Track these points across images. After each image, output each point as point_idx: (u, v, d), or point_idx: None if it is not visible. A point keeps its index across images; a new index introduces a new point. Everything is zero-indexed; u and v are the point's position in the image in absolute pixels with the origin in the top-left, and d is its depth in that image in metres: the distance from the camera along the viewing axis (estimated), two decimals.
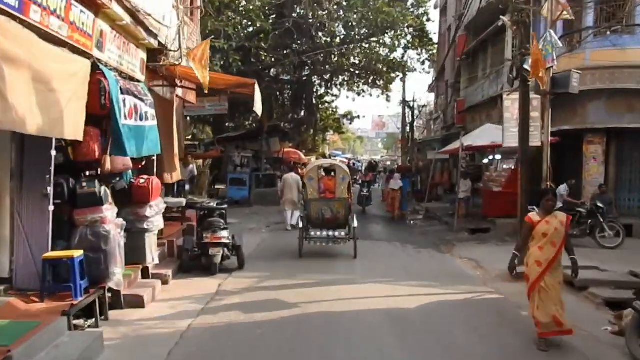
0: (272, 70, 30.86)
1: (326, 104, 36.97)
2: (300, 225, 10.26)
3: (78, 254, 6.05)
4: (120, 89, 6.79)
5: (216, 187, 20.67)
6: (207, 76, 8.29)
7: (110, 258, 6.44)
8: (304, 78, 30.89)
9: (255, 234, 13.49)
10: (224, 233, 8.77)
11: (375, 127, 69.11)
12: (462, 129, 21.34)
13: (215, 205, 9.61)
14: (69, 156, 6.50)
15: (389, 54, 28.00)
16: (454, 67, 24.46)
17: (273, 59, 28.30)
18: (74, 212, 6.46)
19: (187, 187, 12.09)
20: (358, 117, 36.48)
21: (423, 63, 31.52)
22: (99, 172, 6.81)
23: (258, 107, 10.52)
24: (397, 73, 30.91)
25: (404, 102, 31.17)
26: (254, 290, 7.86)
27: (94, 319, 6.12)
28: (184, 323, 6.26)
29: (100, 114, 6.58)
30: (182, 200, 11.02)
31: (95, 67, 6.45)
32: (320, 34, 28.45)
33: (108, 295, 6.59)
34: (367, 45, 30.87)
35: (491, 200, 15.33)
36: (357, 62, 32.80)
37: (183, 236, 9.72)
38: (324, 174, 11.17)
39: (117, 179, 7.11)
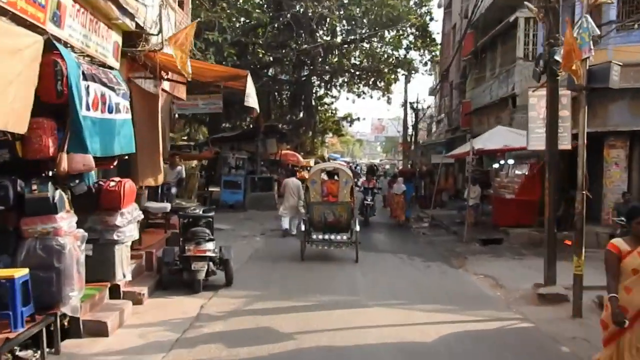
0: (270, 69, 29.76)
1: (325, 106, 35.84)
2: (303, 228, 10.05)
3: (20, 273, 4.84)
4: (83, 73, 5.61)
5: (210, 189, 19.45)
6: (188, 63, 7.11)
7: (64, 278, 5.24)
8: (303, 78, 29.75)
9: (248, 242, 12.30)
10: (209, 245, 7.57)
11: (375, 130, 68.05)
12: (468, 132, 20.23)
13: (200, 213, 8.39)
14: (16, 153, 5.29)
15: (393, 51, 26.78)
16: (460, 67, 23.34)
17: (271, 58, 27.25)
18: (21, 220, 5.28)
19: (174, 190, 10.86)
20: (358, 119, 35.31)
21: (425, 64, 30.50)
22: (54, 173, 5.61)
23: (253, 101, 9.38)
24: (400, 71, 29.71)
25: (406, 104, 30.00)
26: (241, 314, 6.65)
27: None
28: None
29: (57, 103, 5.39)
30: (167, 205, 9.80)
31: (51, 46, 5.27)
32: (320, 32, 27.46)
33: (64, 321, 5.41)
34: (368, 45, 29.91)
35: (503, 208, 14.20)
36: (358, 62, 31.79)
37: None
38: (326, 177, 11.06)
39: (77, 181, 5.90)
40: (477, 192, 14.86)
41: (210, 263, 7.59)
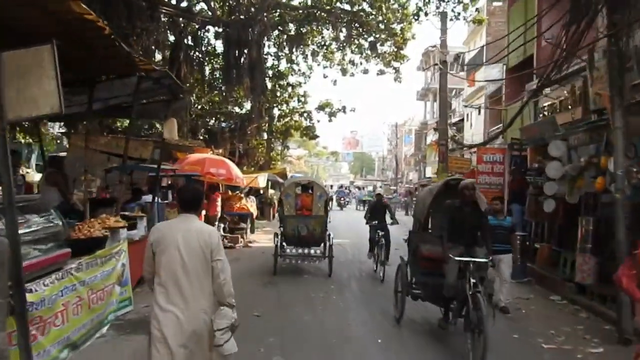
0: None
1: (289, 89, 20.27)
2: (276, 241, 9.06)
3: None
4: None
5: None
6: None
7: None
8: (245, 23, 14.10)
9: None
10: None
11: (347, 145, 53.20)
12: None
13: None
14: None
15: None
16: None
17: None
18: None
19: None
20: (343, 110, 19.64)
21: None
22: None
23: None
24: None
25: (445, 65, 14.39)
26: None
27: None
28: None
29: None
30: None
31: None
32: None
33: None
34: None
35: None
36: (346, 7, 16.68)
37: None
38: (300, 191, 9.72)
39: None
40: None
41: None
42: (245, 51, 13.99)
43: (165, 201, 9.20)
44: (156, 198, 7.39)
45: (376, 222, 8.87)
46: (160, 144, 12.43)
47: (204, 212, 11.21)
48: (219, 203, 11.41)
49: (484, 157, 14.40)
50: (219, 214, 11.48)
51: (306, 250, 9.06)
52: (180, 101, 6.98)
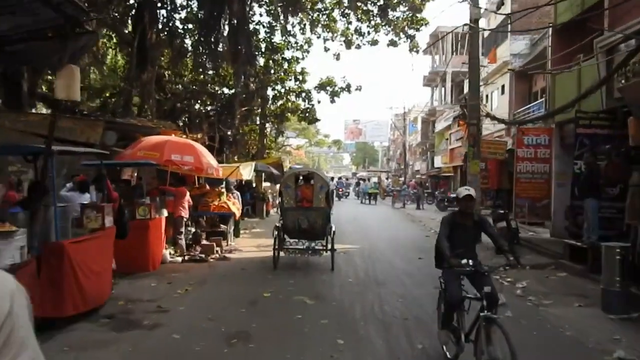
0: None
1: (285, 65, 17.29)
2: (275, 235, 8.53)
3: None
4: None
5: None
6: None
7: None
8: None
9: None
10: None
11: (350, 134, 50.19)
12: None
13: None
14: None
15: None
16: None
17: None
18: None
19: None
20: (348, 88, 16.68)
21: None
22: None
23: None
24: None
25: (476, 24, 11.37)
26: None
27: None
28: None
29: None
30: None
31: None
32: None
33: None
34: None
35: None
36: None
37: None
38: (300, 182, 9.08)
39: None
40: None
41: None
42: (227, 9, 11.05)
43: (85, 201, 6.28)
44: (50, 196, 4.51)
45: (464, 260, 3.74)
46: (112, 125, 9.56)
47: (165, 213, 8.37)
48: (187, 201, 8.54)
49: (525, 139, 11.49)
50: (187, 216, 8.62)
51: (307, 244, 8.68)
52: (85, 36, 4.08)
